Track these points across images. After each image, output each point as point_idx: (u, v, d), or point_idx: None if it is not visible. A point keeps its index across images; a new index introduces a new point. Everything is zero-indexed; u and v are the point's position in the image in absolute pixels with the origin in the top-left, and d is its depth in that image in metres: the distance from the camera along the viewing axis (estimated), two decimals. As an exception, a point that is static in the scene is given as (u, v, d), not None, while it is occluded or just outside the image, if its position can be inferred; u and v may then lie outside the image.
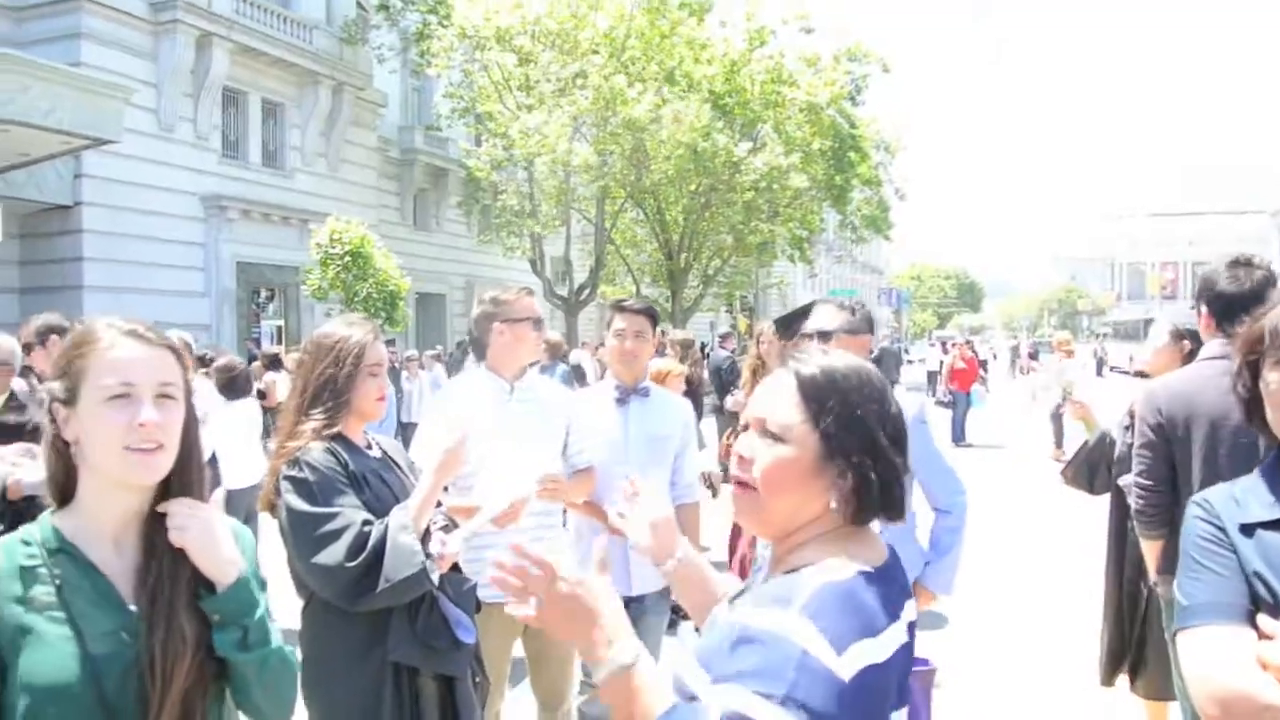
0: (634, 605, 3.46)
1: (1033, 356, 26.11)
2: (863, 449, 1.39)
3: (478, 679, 2.71)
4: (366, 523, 2.47)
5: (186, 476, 1.66)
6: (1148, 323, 52.88)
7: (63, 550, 1.57)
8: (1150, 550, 3.34)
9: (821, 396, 1.41)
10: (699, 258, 27.82)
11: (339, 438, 2.63)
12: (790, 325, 3.76)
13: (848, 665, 1.24)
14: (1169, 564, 3.16)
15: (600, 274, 26.41)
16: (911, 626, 1.42)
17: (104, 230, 19.78)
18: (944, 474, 3.50)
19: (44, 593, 1.52)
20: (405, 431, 14.46)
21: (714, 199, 25.11)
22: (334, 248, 18.16)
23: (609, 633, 1.39)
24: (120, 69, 19.42)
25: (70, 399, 1.58)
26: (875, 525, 1.46)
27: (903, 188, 31.59)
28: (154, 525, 1.64)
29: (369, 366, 2.68)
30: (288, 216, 23.71)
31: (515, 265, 29.42)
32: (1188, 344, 3.97)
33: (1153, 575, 3.41)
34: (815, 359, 1.46)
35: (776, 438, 1.42)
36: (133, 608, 1.58)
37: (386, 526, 2.46)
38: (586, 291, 26.31)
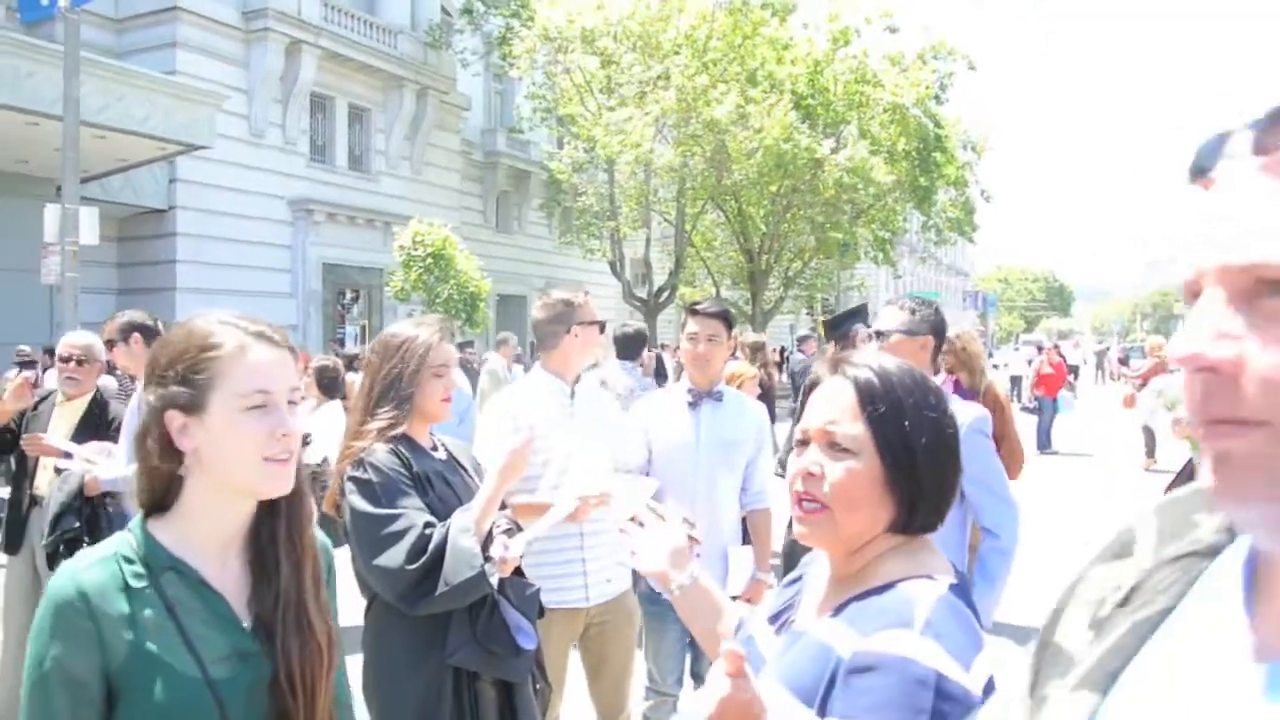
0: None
1: (1123, 362, 25.26)
2: (926, 456, 1.33)
3: (538, 685, 2.67)
4: (428, 525, 2.44)
5: (299, 485, 1.55)
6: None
7: (173, 568, 1.45)
8: None
9: (882, 403, 1.34)
10: (780, 259, 27.54)
11: (404, 439, 2.62)
12: (839, 326, 3.64)
13: (977, 681, 1.19)
14: None
15: (680, 276, 26.31)
16: None
17: (196, 233, 20.38)
18: (997, 492, 3.11)
19: (155, 614, 1.41)
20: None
21: (795, 200, 24.84)
22: (416, 250, 18.42)
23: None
24: (213, 76, 19.96)
25: (195, 406, 1.45)
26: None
27: (989, 189, 30.87)
28: (261, 534, 1.54)
29: (435, 367, 2.66)
30: (372, 219, 24.14)
31: (595, 267, 29.52)
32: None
33: None
34: (867, 363, 1.39)
35: (846, 450, 1.34)
36: (245, 624, 1.49)
37: (448, 529, 2.43)
38: (666, 294, 26.26)
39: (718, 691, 1.13)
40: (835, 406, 1.37)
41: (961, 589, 1.30)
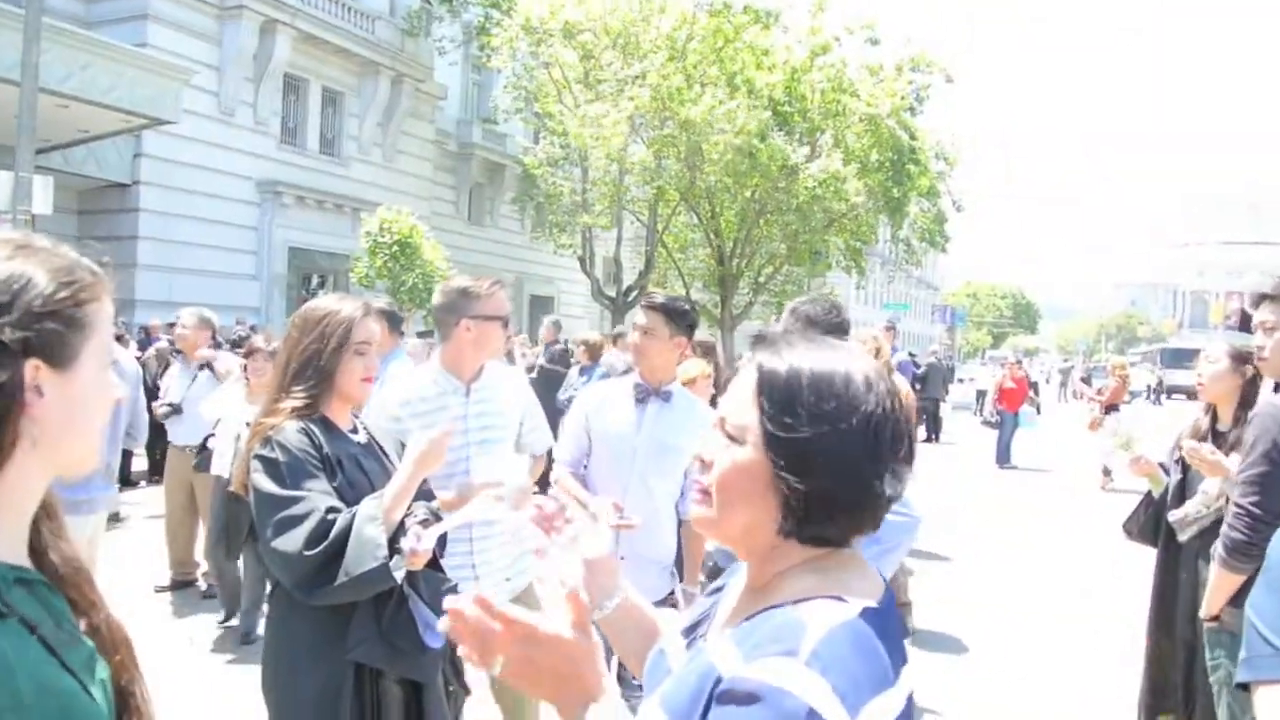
0: None
1: (1085, 381, 25.43)
2: (820, 460, 1.16)
3: (451, 687, 2.53)
4: (332, 510, 2.29)
5: None
6: (1176, 352, 51.86)
7: (20, 579, 1.10)
8: (1229, 585, 3.04)
9: (778, 394, 1.19)
10: (751, 264, 27.50)
11: (320, 419, 2.48)
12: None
13: None
14: (1241, 597, 2.92)
15: (650, 276, 26.20)
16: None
17: (160, 210, 20.03)
18: None
19: (21, 646, 1.05)
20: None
21: (769, 205, 24.82)
22: (383, 236, 18.22)
23: (586, 693, 1.17)
24: (184, 52, 19.65)
25: (65, 357, 1.12)
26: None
27: (960, 200, 30.98)
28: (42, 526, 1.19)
29: (356, 344, 2.50)
30: (341, 204, 23.87)
31: (566, 263, 29.37)
32: (1249, 368, 3.69)
33: (1213, 610, 3.12)
34: (789, 353, 1.23)
35: (733, 439, 1.21)
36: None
37: (354, 516, 2.28)
38: (635, 293, 26.16)
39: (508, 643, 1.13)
40: (737, 394, 1.24)
41: (880, 614, 1.15)
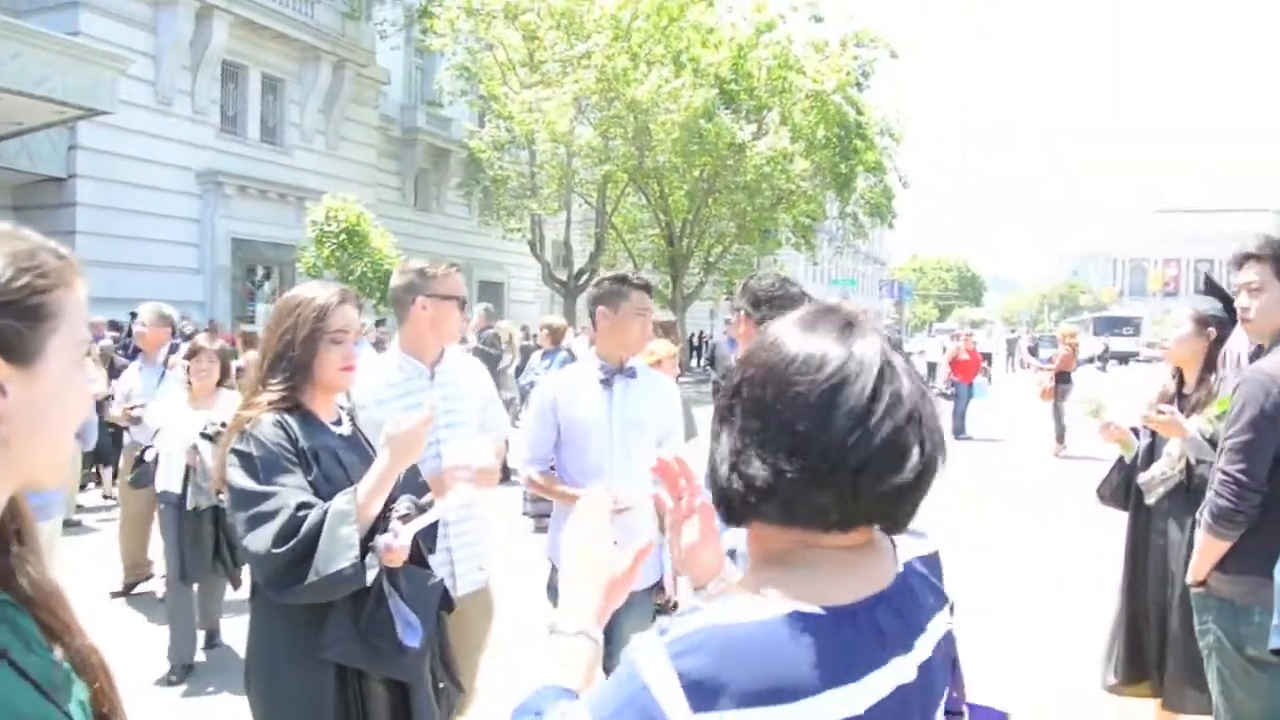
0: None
1: (1032, 351, 25.74)
2: (757, 439, 1.09)
3: (441, 684, 2.46)
4: (303, 506, 2.21)
5: None
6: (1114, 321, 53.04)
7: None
8: (1215, 551, 3.03)
9: (735, 373, 1.16)
10: (701, 244, 27.57)
11: (299, 410, 2.39)
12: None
13: None
14: (1238, 564, 2.93)
15: (600, 258, 26.13)
16: (931, 665, 1.14)
17: (97, 204, 19.53)
18: None
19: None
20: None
21: (717, 184, 24.85)
22: (329, 225, 17.94)
23: (586, 600, 1.26)
24: (119, 40, 19.12)
25: (26, 352, 1.00)
26: (884, 541, 1.17)
27: (906, 175, 31.28)
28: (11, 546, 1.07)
29: (332, 333, 2.42)
30: (285, 194, 23.43)
31: (515, 248, 29.14)
32: (1213, 331, 3.72)
33: (1199, 575, 3.12)
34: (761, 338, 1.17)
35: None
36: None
37: (324, 512, 2.20)
38: (586, 276, 26.08)
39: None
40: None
41: (826, 621, 1.04)
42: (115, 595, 6.62)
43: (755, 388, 1.10)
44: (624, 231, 27.60)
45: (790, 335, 1.12)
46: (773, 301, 3.36)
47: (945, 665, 1.19)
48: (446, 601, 2.55)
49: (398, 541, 2.24)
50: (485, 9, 22.73)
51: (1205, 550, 3.06)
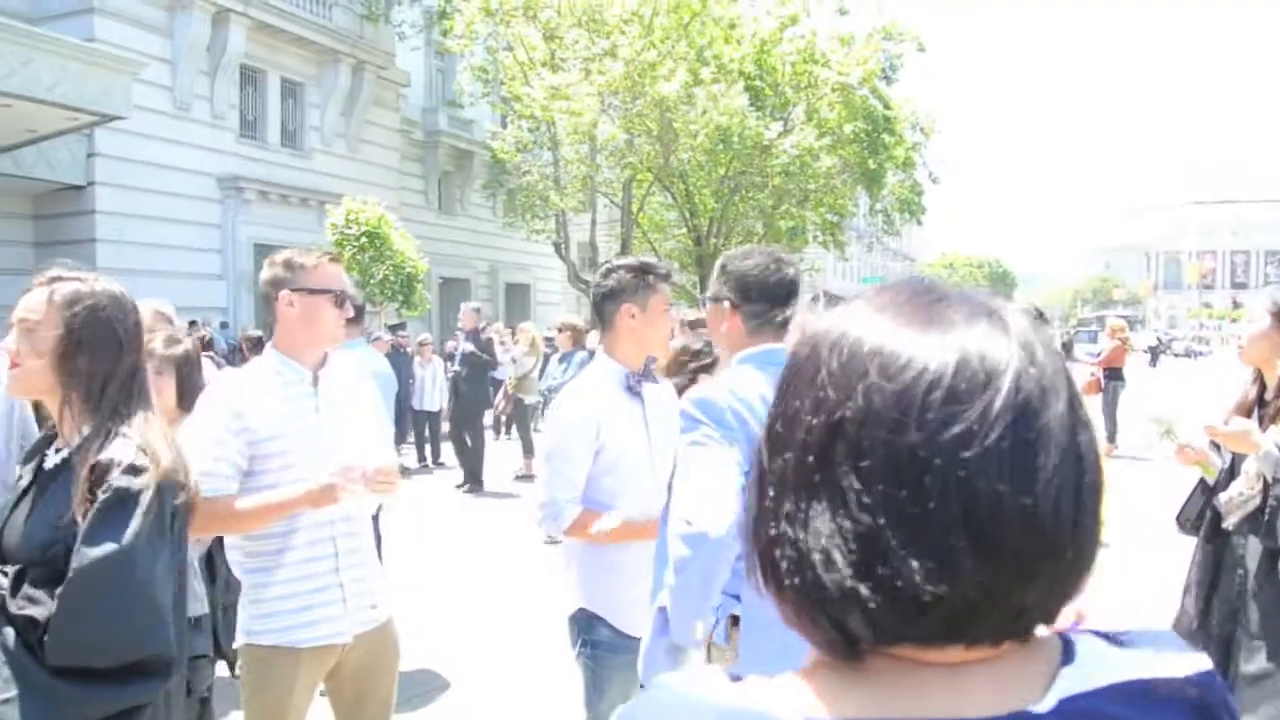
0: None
1: (1066, 348, 25.00)
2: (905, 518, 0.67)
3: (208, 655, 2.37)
4: None
5: None
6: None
7: None
8: None
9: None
10: (728, 243, 27.11)
11: None
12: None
13: None
14: None
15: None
16: None
17: (117, 211, 19.32)
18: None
19: None
20: (419, 420, 13.84)
21: (743, 183, 24.42)
22: (350, 228, 17.60)
23: None
24: (134, 45, 18.84)
25: None
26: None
27: (936, 171, 30.71)
28: None
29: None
30: (306, 198, 23.18)
31: (539, 249, 28.83)
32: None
33: None
34: None
35: None
36: None
37: None
38: (612, 277, 25.66)
39: None
40: None
41: None
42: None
43: (880, 430, 0.63)
44: (650, 231, 27.24)
45: (907, 340, 0.67)
46: (770, 290, 2.51)
47: None
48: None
49: None
50: (504, 8, 22.37)
51: None
